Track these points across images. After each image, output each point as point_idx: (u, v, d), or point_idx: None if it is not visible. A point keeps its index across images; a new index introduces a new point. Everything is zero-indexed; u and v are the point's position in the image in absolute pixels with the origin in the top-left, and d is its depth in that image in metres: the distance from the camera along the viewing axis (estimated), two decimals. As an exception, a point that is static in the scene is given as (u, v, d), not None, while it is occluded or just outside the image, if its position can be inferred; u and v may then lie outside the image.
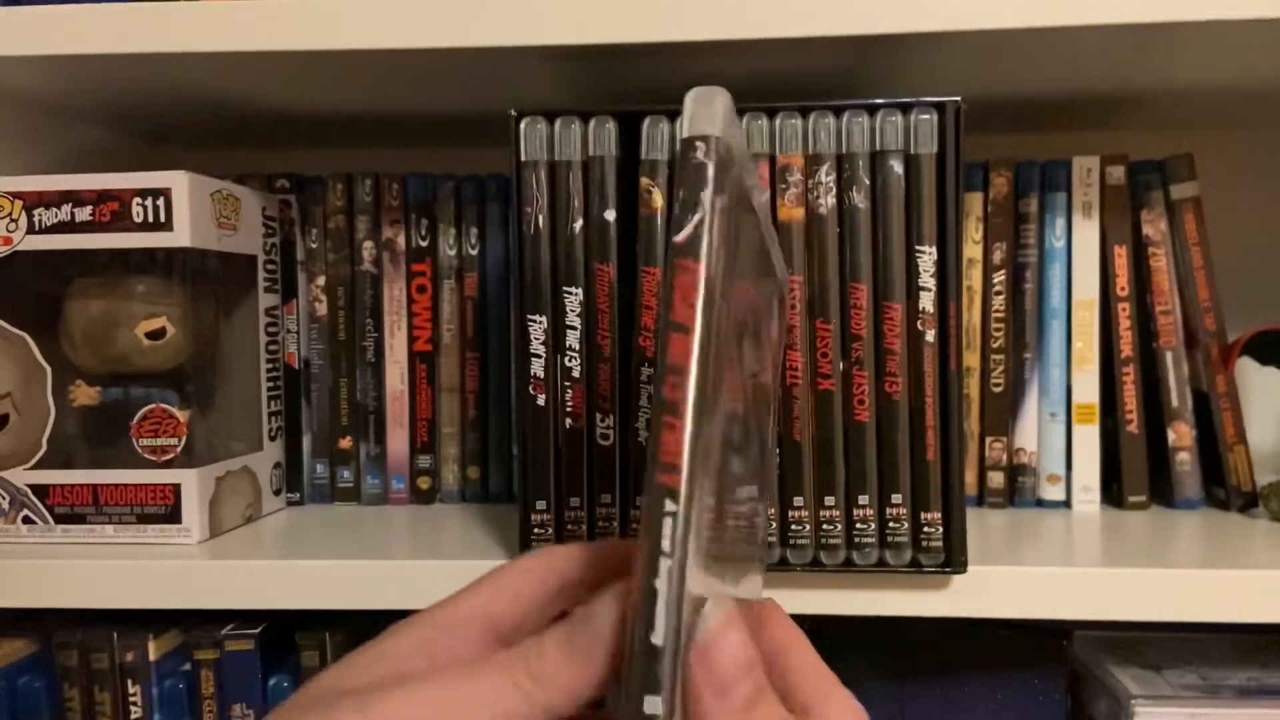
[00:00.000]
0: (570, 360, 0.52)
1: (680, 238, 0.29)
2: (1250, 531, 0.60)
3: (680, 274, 0.29)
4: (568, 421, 0.53)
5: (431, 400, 0.71)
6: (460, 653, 0.32)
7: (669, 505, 0.27)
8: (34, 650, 0.64)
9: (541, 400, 0.53)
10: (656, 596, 0.27)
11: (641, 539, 0.27)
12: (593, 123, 0.52)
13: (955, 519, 0.51)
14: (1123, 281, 0.67)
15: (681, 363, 0.28)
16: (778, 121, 0.51)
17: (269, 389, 0.68)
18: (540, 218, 0.52)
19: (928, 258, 0.51)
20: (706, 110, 0.31)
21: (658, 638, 0.26)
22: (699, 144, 0.30)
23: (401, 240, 0.70)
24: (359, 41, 0.53)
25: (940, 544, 0.51)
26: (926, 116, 0.51)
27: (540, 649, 0.30)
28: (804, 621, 0.41)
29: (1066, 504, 0.68)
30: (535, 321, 0.53)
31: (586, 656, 0.29)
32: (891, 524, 0.51)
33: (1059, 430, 0.67)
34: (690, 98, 0.31)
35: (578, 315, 0.52)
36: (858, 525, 0.52)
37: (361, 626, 0.67)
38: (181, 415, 0.58)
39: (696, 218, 0.29)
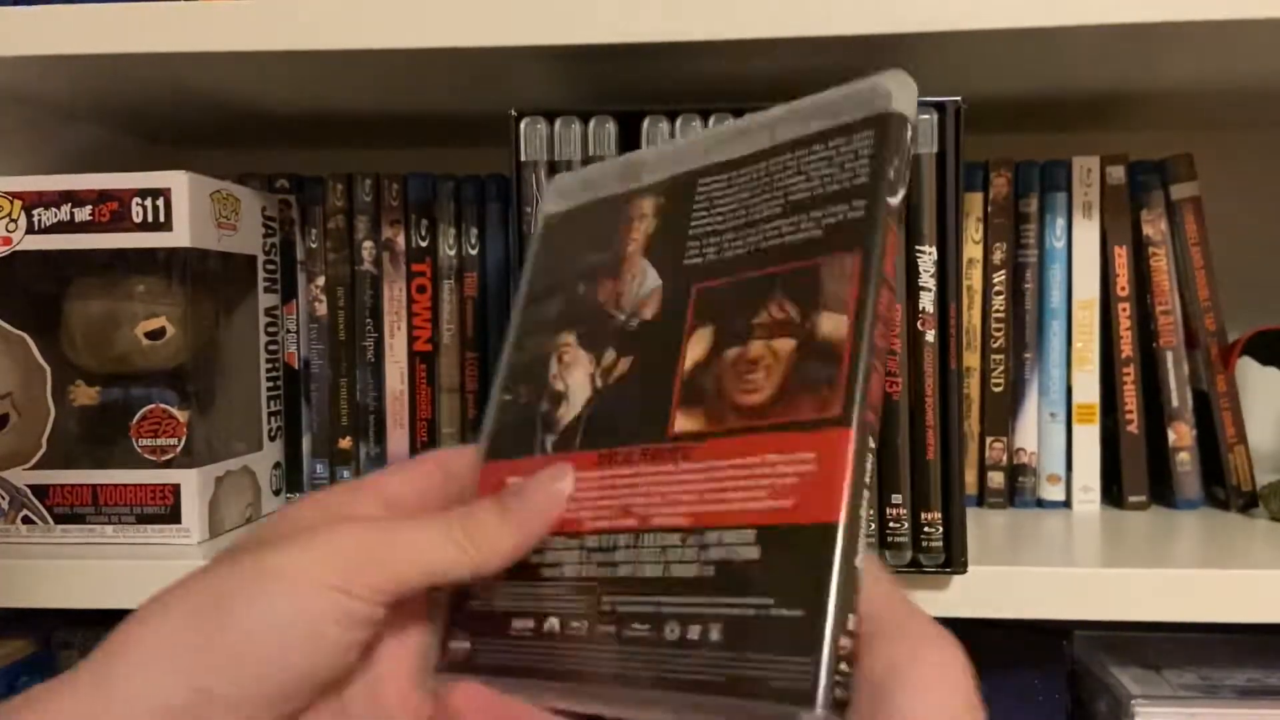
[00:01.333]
0: (570, 360, 0.52)
1: (895, 201, 0.32)
2: (1250, 531, 0.60)
3: (890, 234, 0.31)
4: (568, 421, 0.52)
5: (431, 400, 0.71)
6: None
7: (872, 443, 0.30)
8: (34, 650, 0.64)
9: (541, 400, 0.53)
10: (859, 524, 0.29)
11: (849, 469, 0.29)
12: (593, 123, 0.52)
13: (955, 519, 0.51)
14: (1123, 281, 0.67)
15: (891, 315, 0.32)
16: (778, 121, 0.51)
17: (269, 389, 0.68)
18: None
19: (928, 258, 0.51)
20: (911, 95, 0.33)
21: (859, 561, 0.29)
22: (910, 128, 0.33)
23: (401, 240, 0.70)
24: (359, 41, 0.53)
25: (940, 544, 0.51)
26: (926, 116, 0.51)
27: (475, 514, 0.33)
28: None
29: (1066, 504, 0.68)
30: (535, 321, 0.53)
31: (519, 524, 0.33)
32: (891, 524, 0.51)
33: (1059, 430, 0.67)
34: (896, 80, 0.33)
35: (578, 315, 0.52)
36: (858, 525, 0.52)
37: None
38: (181, 415, 0.58)
39: (902, 194, 0.32)
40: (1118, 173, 0.66)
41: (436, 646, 0.35)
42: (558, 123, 0.52)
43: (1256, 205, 0.81)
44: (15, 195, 0.58)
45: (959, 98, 0.50)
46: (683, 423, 0.34)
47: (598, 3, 0.51)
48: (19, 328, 0.59)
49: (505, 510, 0.33)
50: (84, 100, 0.66)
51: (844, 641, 0.28)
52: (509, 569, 0.34)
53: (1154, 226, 0.67)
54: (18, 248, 0.58)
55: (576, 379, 0.37)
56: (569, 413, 0.37)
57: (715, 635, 0.30)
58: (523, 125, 0.52)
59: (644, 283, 0.37)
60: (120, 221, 0.58)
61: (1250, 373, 0.80)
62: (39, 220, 0.58)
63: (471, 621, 0.35)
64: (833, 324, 0.31)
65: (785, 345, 0.32)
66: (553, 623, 0.33)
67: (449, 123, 0.74)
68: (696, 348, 0.34)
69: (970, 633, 0.40)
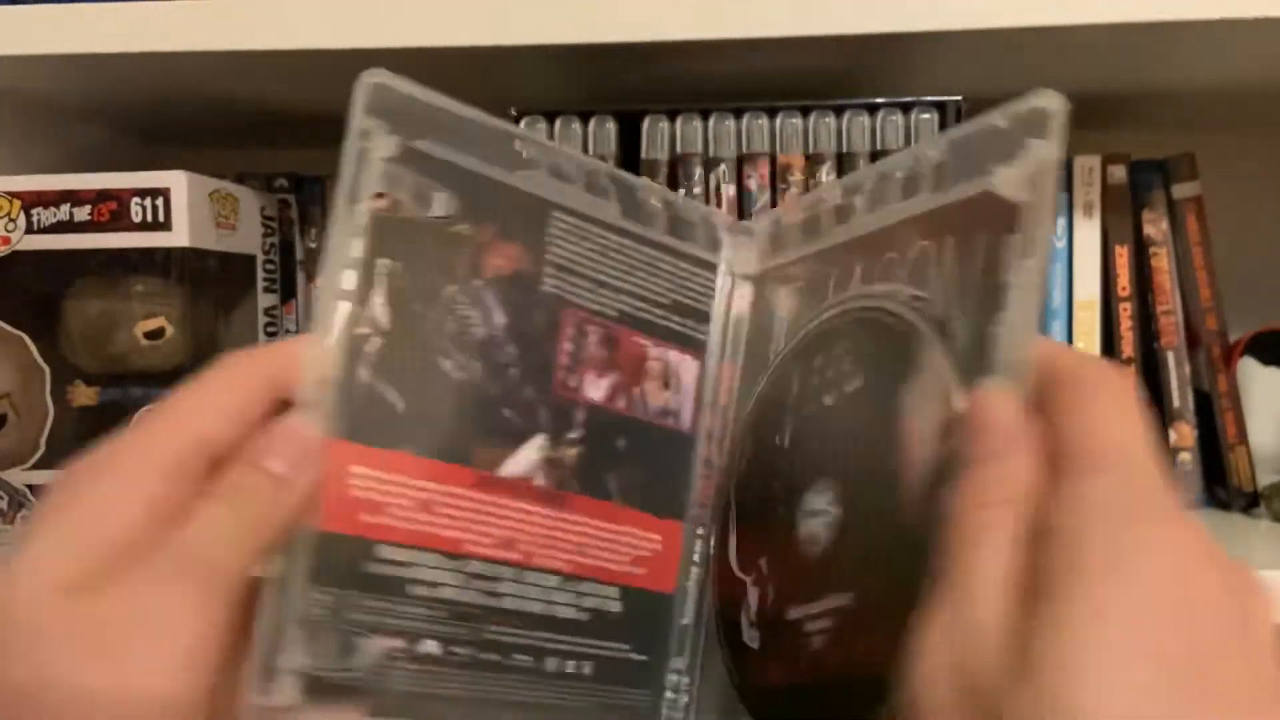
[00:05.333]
0: (570, 360, 0.52)
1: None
2: (1252, 532, 0.60)
3: None
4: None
5: (431, 400, 0.71)
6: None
7: (699, 531, 0.41)
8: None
9: (541, 401, 0.53)
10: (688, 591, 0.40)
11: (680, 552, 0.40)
12: (593, 123, 0.52)
13: (956, 520, 0.51)
14: (1124, 281, 0.66)
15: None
16: (778, 121, 0.51)
17: (268, 389, 0.68)
18: (540, 218, 0.52)
19: (928, 258, 0.50)
20: None
21: (687, 619, 0.41)
22: None
23: (401, 240, 0.70)
24: (358, 41, 0.53)
25: (941, 545, 0.51)
26: (927, 116, 0.50)
27: (235, 470, 0.29)
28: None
29: (1067, 504, 0.67)
30: (535, 322, 0.53)
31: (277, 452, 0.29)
32: (892, 525, 0.51)
33: (1060, 431, 0.67)
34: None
35: (577, 315, 0.52)
36: (858, 526, 0.52)
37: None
38: (180, 416, 0.58)
39: None
40: (1119, 172, 0.66)
41: (258, 671, 0.31)
42: (558, 123, 0.52)
43: (1258, 205, 0.80)
44: (14, 195, 0.58)
45: (959, 97, 0.50)
46: None
47: (598, 3, 0.51)
48: (18, 328, 0.59)
49: (258, 449, 0.29)
50: (84, 100, 0.66)
51: (673, 678, 0.38)
52: (363, 579, 0.33)
53: (1155, 226, 0.67)
54: (17, 247, 0.58)
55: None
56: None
57: (588, 670, 0.36)
58: (522, 125, 0.52)
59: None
60: (119, 221, 0.57)
61: (1252, 373, 0.80)
62: (38, 220, 0.58)
63: (313, 639, 0.32)
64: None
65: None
66: (430, 646, 0.34)
67: (449, 122, 0.74)
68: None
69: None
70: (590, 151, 0.52)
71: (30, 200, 0.58)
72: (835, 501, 0.34)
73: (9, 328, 0.59)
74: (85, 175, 0.58)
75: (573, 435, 0.37)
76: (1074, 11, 0.49)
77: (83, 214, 0.58)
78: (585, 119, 0.52)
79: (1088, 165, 0.66)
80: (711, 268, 0.41)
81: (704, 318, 0.41)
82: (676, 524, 0.39)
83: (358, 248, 0.34)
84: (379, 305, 0.34)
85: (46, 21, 0.54)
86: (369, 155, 0.35)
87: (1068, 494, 0.25)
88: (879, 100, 0.50)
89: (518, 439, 0.36)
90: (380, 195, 0.35)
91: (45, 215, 0.58)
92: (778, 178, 0.51)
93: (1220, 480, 0.67)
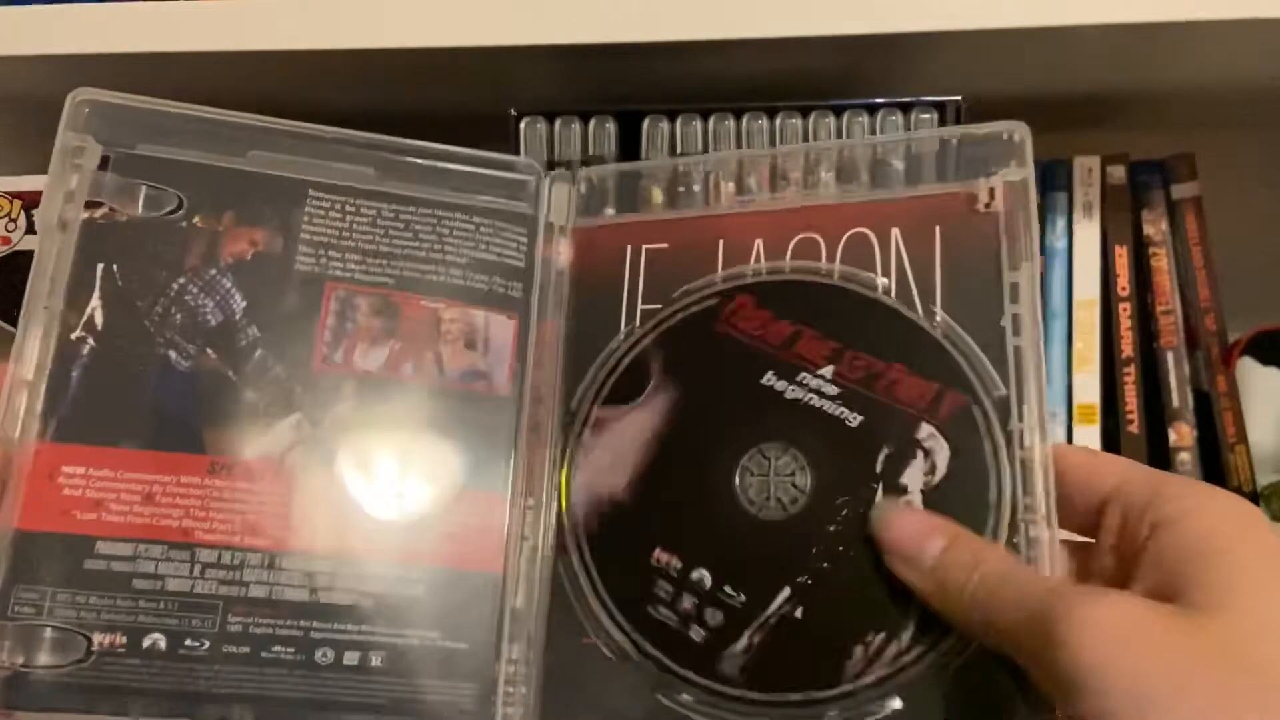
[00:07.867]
0: (570, 360, 0.52)
1: None
2: (1251, 532, 0.60)
3: None
4: (568, 422, 0.52)
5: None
6: None
7: (529, 501, 0.38)
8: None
9: (541, 400, 0.53)
10: (518, 571, 0.37)
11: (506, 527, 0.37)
12: (593, 123, 0.52)
13: (956, 519, 0.51)
14: (1123, 281, 0.67)
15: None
16: (778, 121, 0.51)
17: (269, 389, 0.68)
18: (540, 218, 0.52)
19: (928, 258, 0.51)
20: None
21: (519, 601, 0.37)
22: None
23: (401, 240, 0.70)
24: (359, 41, 0.53)
25: (941, 544, 0.51)
26: (927, 116, 0.51)
27: None
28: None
29: (1067, 504, 0.67)
30: (535, 322, 0.53)
31: None
32: (892, 524, 0.51)
33: (1060, 431, 0.67)
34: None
35: (578, 315, 0.52)
36: (858, 526, 0.52)
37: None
38: (181, 415, 0.58)
39: None
40: (1118, 172, 0.66)
41: None
42: (557, 123, 0.52)
43: (1257, 205, 0.80)
44: (15, 195, 0.58)
45: (959, 97, 0.50)
46: None
47: (598, 3, 0.51)
48: (18, 328, 0.59)
49: None
50: (84, 100, 0.66)
51: (508, 669, 0.34)
52: (80, 576, 0.32)
53: (1155, 226, 0.67)
54: (18, 248, 0.58)
55: None
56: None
57: (378, 662, 0.33)
58: (523, 125, 0.52)
59: None
60: (120, 221, 0.57)
61: (1251, 373, 0.80)
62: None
63: (19, 638, 0.32)
64: None
65: None
66: (157, 640, 0.32)
67: (448, 122, 0.74)
68: None
69: (970, 633, 0.40)
70: (590, 151, 0.52)
71: (30, 200, 0.58)
72: (804, 466, 0.35)
73: (9, 328, 0.59)
74: (86, 175, 0.58)
75: (339, 410, 0.36)
76: (1074, 11, 0.49)
77: (83, 214, 0.58)
78: (585, 119, 0.52)
79: (1087, 165, 0.67)
80: (524, 220, 0.40)
81: (516, 273, 0.39)
82: (496, 496, 0.36)
83: (65, 257, 0.36)
84: (95, 309, 0.36)
85: (46, 21, 0.54)
86: (78, 167, 0.37)
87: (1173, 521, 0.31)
88: (878, 100, 0.51)
89: (267, 420, 0.35)
90: (95, 204, 0.37)
91: (46, 215, 0.58)
92: (777, 178, 0.51)
93: (1219, 480, 0.67)
